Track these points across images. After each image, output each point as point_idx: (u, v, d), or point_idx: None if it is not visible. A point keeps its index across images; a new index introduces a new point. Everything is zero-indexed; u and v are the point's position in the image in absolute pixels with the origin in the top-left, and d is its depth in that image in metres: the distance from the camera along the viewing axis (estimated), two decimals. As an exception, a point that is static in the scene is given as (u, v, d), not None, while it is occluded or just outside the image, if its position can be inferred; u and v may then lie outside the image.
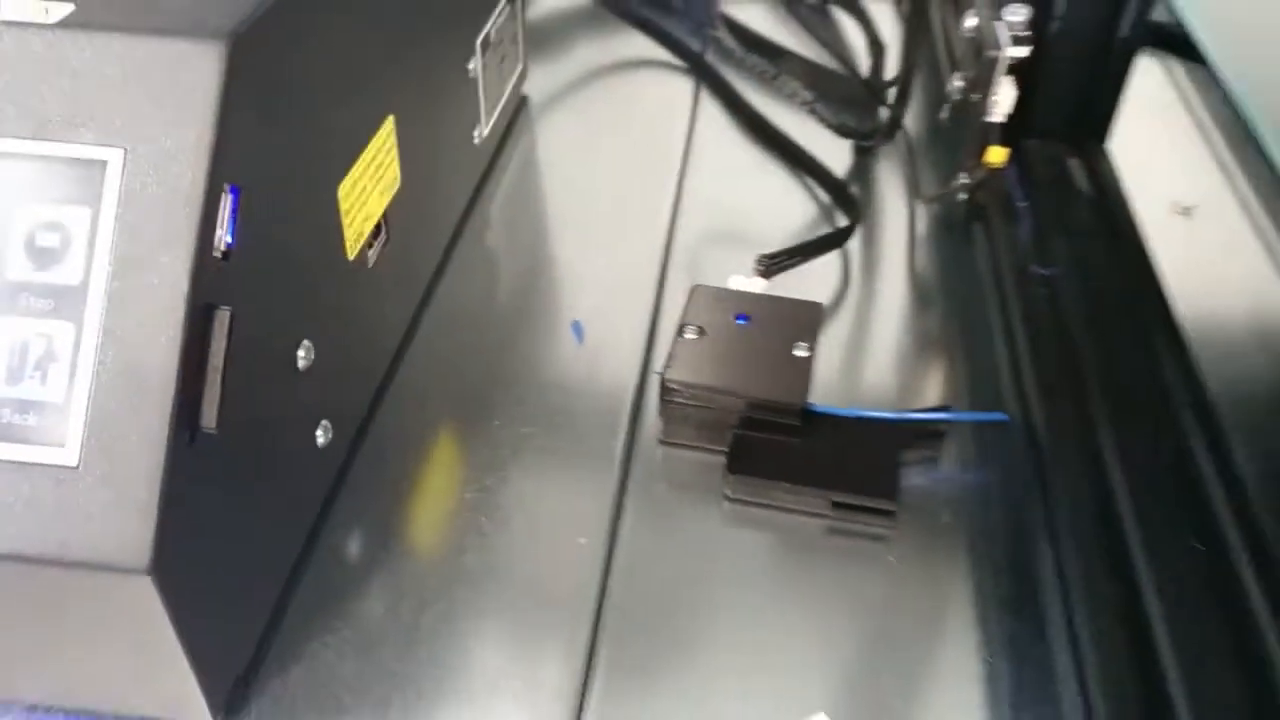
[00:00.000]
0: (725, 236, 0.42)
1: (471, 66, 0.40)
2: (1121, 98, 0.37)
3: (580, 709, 0.26)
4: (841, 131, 0.45)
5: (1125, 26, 0.35)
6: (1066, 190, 0.36)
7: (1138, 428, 0.30)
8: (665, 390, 0.32)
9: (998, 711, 0.26)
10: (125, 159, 0.22)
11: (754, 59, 0.49)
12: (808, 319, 0.34)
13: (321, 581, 0.29)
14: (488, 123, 0.43)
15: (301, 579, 0.29)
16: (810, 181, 0.44)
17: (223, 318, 0.23)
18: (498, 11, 0.43)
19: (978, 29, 0.37)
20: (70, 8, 0.23)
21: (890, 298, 0.39)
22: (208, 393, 0.23)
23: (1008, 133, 0.36)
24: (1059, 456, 0.30)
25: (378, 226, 0.32)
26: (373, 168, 0.31)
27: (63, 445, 0.22)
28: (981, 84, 0.35)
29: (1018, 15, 0.35)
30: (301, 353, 0.27)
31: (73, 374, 0.22)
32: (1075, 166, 0.37)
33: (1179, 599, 0.26)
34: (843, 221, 0.41)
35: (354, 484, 0.31)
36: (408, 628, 0.28)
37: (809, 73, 0.49)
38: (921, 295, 0.39)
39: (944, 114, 0.42)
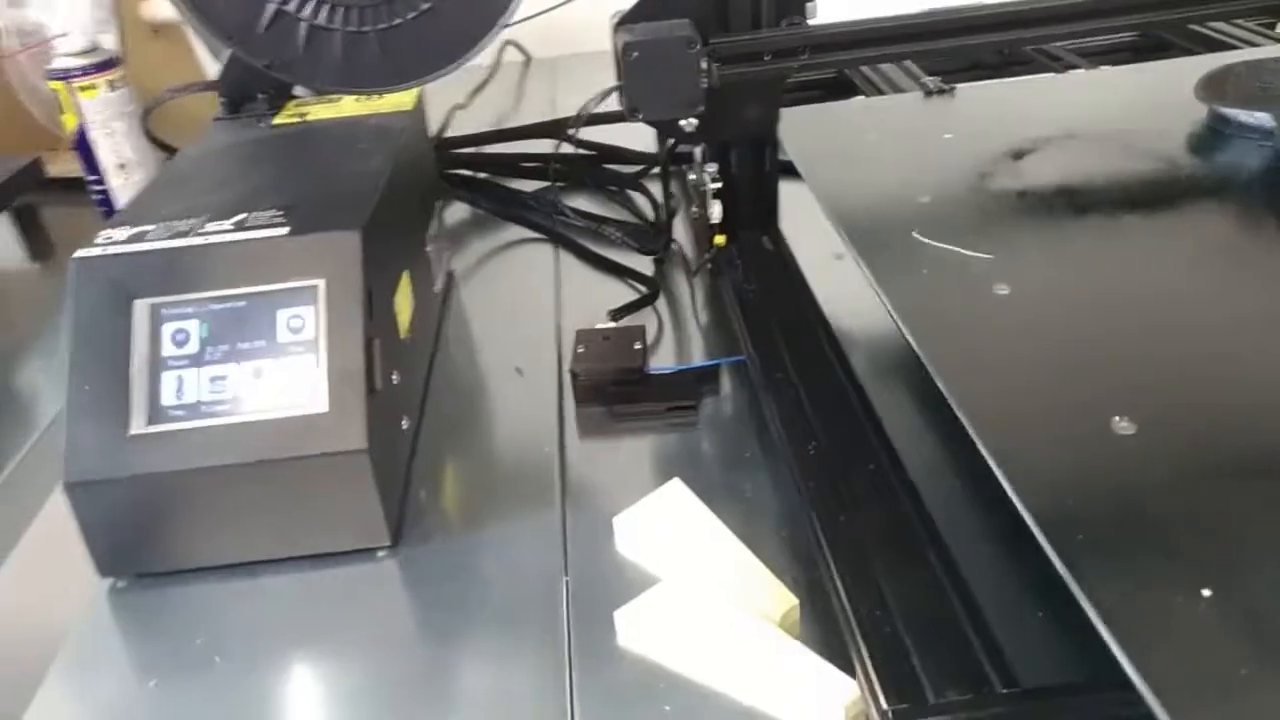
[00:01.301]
0: (589, 311, 0.73)
1: (430, 247, 0.71)
2: (778, 199, 0.71)
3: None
4: (643, 250, 0.78)
5: (768, 164, 0.69)
6: (759, 251, 0.69)
7: (809, 365, 0.61)
8: (575, 376, 0.62)
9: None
10: (326, 283, 0.52)
11: (585, 221, 0.82)
12: (636, 332, 0.65)
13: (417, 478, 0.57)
14: (438, 280, 0.74)
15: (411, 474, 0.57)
16: (629, 280, 0.77)
17: (376, 343, 0.52)
18: (434, 214, 0.75)
19: (694, 181, 0.70)
20: (286, 229, 0.53)
21: (682, 315, 0.71)
22: (375, 374, 0.52)
23: (724, 228, 0.69)
24: (767, 374, 0.61)
25: (409, 324, 0.62)
26: (403, 292, 0.61)
27: (322, 405, 0.50)
28: (702, 206, 0.68)
29: (712, 168, 0.68)
30: (395, 375, 0.56)
31: (319, 373, 0.51)
32: (763, 240, 0.70)
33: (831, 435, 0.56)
34: (646, 290, 0.73)
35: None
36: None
37: (619, 225, 0.82)
38: (698, 313, 0.71)
39: (689, 229, 0.75)
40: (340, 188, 0.58)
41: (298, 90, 0.75)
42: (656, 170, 0.88)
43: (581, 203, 0.89)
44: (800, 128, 0.68)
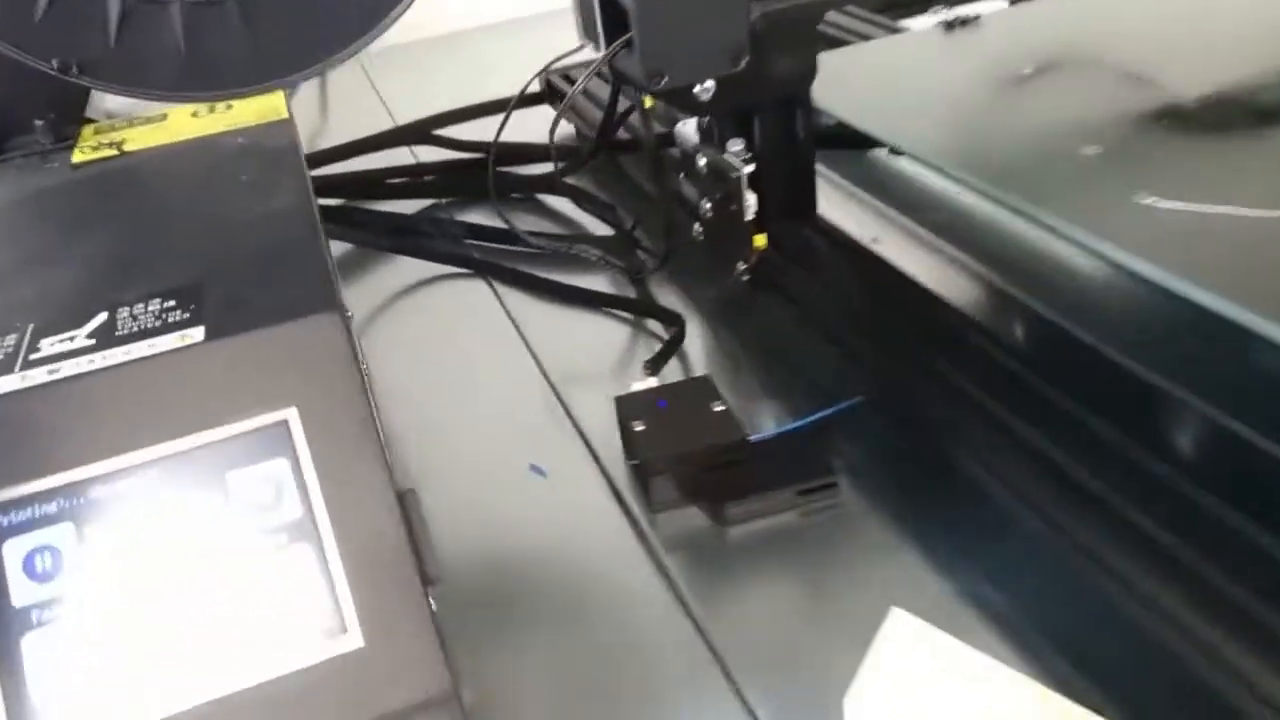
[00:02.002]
0: (591, 371, 0.53)
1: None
2: (814, 177, 0.53)
3: None
4: (631, 270, 0.58)
5: (801, 131, 0.51)
6: (809, 248, 0.51)
7: (985, 390, 0.44)
8: (648, 470, 0.41)
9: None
10: (301, 410, 0.29)
11: (547, 242, 0.61)
12: (705, 387, 0.45)
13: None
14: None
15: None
16: (612, 312, 0.57)
17: (413, 498, 0.30)
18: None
19: (708, 165, 0.51)
20: (198, 329, 0.30)
21: (723, 350, 0.52)
22: (427, 553, 0.30)
23: (756, 225, 0.51)
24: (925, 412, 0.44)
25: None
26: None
27: (346, 632, 0.28)
28: (735, 198, 0.50)
29: (737, 145, 0.49)
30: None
31: (328, 576, 0.28)
32: (804, 233, 0.52)
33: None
34: (666, 328, 0.54)
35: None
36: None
37: (589, 241, 0.62)
38: (741, 345, 0.53)
39: (697, 233, 0.56)
40: (251, 246, 0.35)
41: (91, 109, 0.49)
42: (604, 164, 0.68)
43: (475, 219, 0.67)
44: (841, 80, 0.51)
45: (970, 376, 0.42)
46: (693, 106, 0.48)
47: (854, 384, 0.47)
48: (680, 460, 0.42)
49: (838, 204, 0.55)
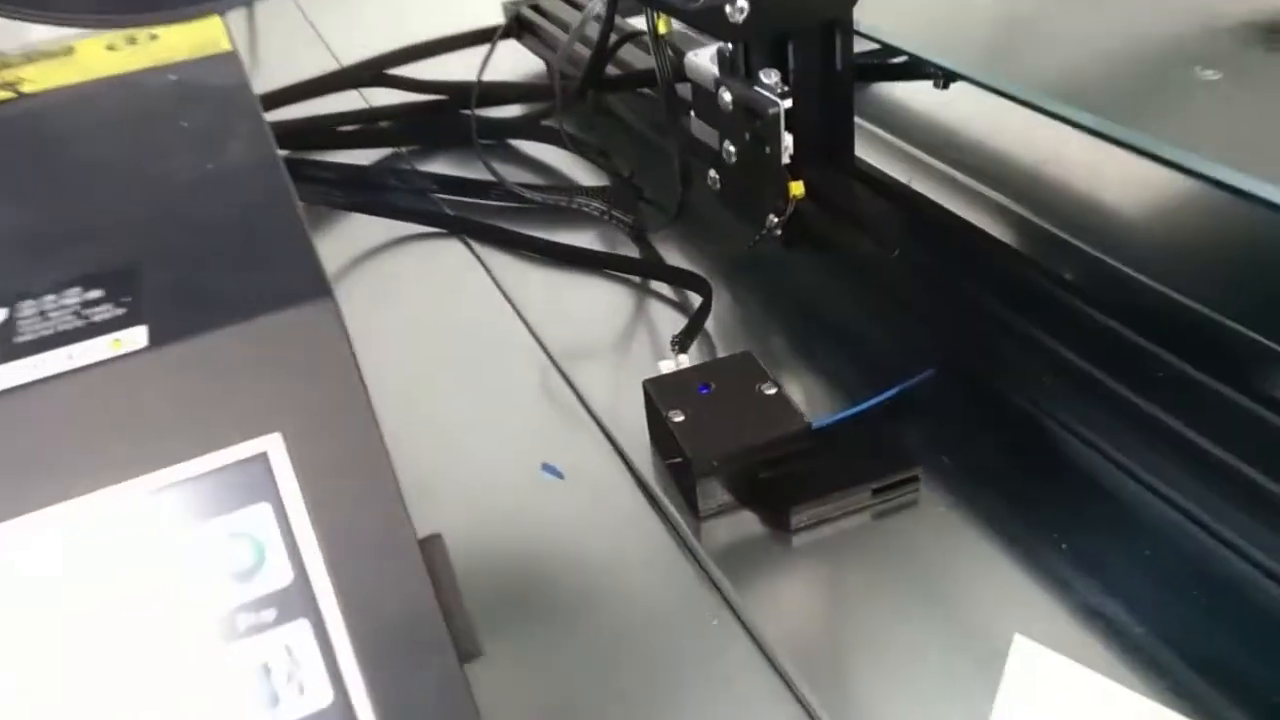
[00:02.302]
0: (599, 347, 0.45)
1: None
2: (853, 120, 0.46)
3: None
4: (637, 229, 0.50)
5: (840, 62, 0.44)
6: (849, 196, 0.44)
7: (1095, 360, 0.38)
8: (697, 470, 0.34)
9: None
10: (288, 437, 0.22)
11: (540, 195, 0.53)
12: (750, 366, 0.38)
13: None
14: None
15: None
16: (617, 276, 0.49)
17: (439, 546, 0.23)
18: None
19: (733, 102, 0.44)
20: (138, 331, 0.22)
21: (759, 323, 0.45)
22: (461, 620, 0.22)
23: (791, 171, 0.44)
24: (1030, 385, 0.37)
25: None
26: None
27: (362, 738, 0.21)
28: (769, 138, 0.42)
29: (771, 77, 0.42)
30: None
31: (332, 662, 0.21)
32: (842, 180, 0.45)
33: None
34: (691, 294, 0.47)
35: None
36: None
37: (581, 190, 0.54)
38: (776, 316, 0.46)
39: (713, 182, 0.48)
40: (203, 214, 0.27)
41: None
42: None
43: (441, 169, 0.59)
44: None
45: (1062, 339, 0.36)
46: (722, 30, 0.40)
47: (917, 352, 0.40)
48: (735, 457, 0.35)
49: (870, 147, 0.48)
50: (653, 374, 0.39)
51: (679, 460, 0.35)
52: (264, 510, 0.21)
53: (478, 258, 0.52)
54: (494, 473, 0.39)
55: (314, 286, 0.23)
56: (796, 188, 0.43)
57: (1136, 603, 0.31)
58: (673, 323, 0.46)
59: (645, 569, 0.34)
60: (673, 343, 0.41)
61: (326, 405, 0.22)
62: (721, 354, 0.43)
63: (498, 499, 0.38)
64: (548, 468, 0.38)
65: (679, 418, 0.36)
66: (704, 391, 0.37)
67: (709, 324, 0.44)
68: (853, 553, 0.34)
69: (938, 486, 0.36)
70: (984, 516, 0.35)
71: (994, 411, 0.38)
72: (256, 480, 0.22)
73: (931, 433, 0.38)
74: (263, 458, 0.22)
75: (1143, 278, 0.39)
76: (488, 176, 0.55)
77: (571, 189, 0.54)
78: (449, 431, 0.41)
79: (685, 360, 0.40)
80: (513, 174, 0.57)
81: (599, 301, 0.48)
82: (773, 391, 0.37)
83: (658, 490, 0.37)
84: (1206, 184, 0.32)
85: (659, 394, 0.37)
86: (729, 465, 0.35)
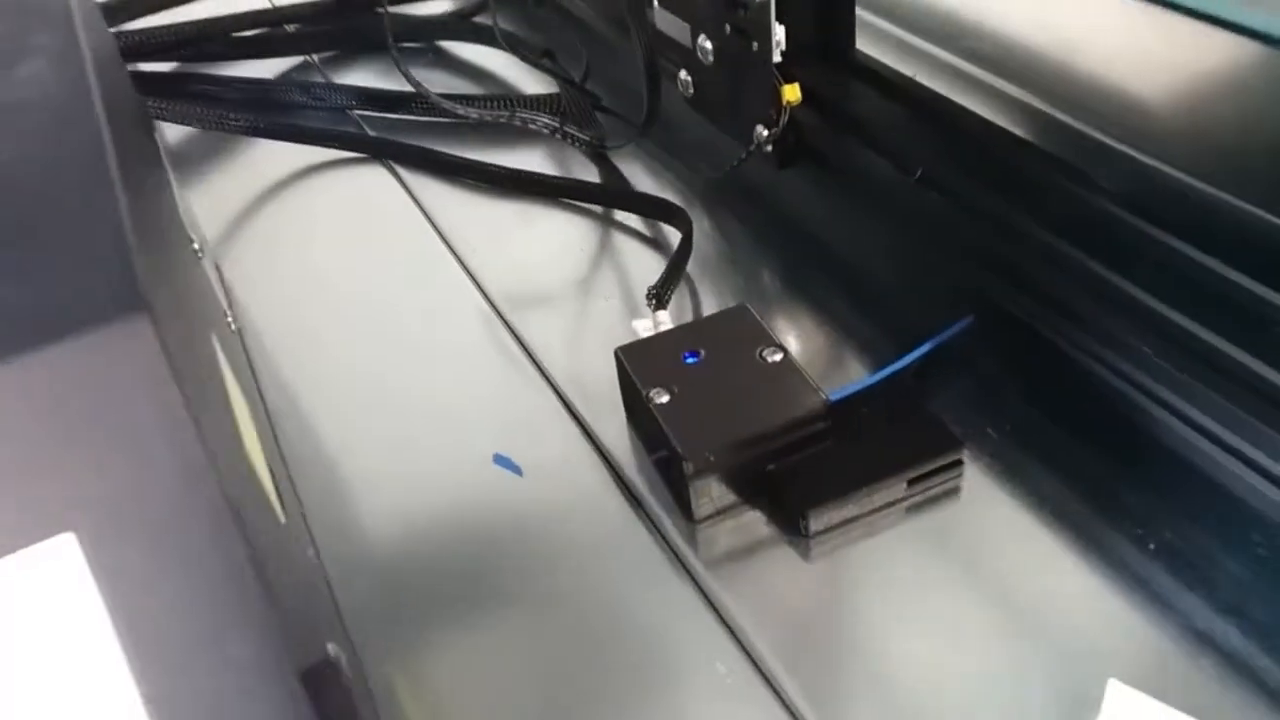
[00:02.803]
0: (556, 297, 0.37)
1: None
2: (854, 7, 0.38)
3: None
4: (595, 146, 0.42)
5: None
6: (854, 99, 0.36)
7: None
8: (690, 468, 0.27)
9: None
10: (88, 539, 0.14)
11: (475, 110, 0.44)
12: (748, 324, 0.31)
13: None
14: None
15: None
16: (574, 205, 0.41)
17: (337, 676, 0.15)
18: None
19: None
20: None
21: (752, 263, 0.37)
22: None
23: (783, 71, 0.35)
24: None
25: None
26: (236, 401, 0.23)
27: None
28: (757, 31, 0.34)
29: (758, -46, 0.34)
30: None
31: None
32: (841, 81, 0.37)
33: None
34: (665, 234, 0.39)
35: None
36: None
37: (526, 102, 0.45)
38: (772, 253, 0.38)
39: (684, 86, 0.40)
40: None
41: None
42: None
43: (356, 81, 0.50)
44: None
45: (1135, 277, 0.29)
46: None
47: (950, 295, 0.33)
48: (736, 449, 0.27)
49: (868, 40, 0.40)
50: (625, 336, 0.32)
51: (665, 453, 0.28)
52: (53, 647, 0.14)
53: (406, 188, 0.44)
54: (429, 464, 0.31)
55: (119, 294, 0.15)
56: (790, 92, 0.35)
57: (1256, 623, 0.25)
58: (646, 264, 0.38)
59: (627, 593, 0.27)
60: (649, 295, 0.33)
61: (144, 482, 0.14)
62: (709, 308, 0.35)
63: (433, 501, 0.30)
64: (501, 460, 0.31)
65: (663, 398, 0.29)
66: (692, 360, 0.30)
67: (691, 266, 0.37)
68: (887, 563, 0.27)
69: (985, 467, 0.29)
70: (1045, 506, 0.28)
71: (1050, 366, 0.31)
72: (47, 596, 0.14)
73: (973, 398, 0.31)
74: (58, 563, 0.14)
75: (1221, 193, 0.32)
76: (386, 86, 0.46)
77: (512, 100, 0.46)
78: (370, 410, 0.33)
79: (665, 318, 0.32)
80: (442, 83, 0.48)
81: (554, 239, 0.40)
82: (778, 358, 0.29)
83: (640, 486, 0.30)
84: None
85: (636, 366, 0.30)
86: (729, 459, 0.27)
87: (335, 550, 0.29)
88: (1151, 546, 0.27)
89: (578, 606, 0.27)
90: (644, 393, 0.29)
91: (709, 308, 0.36)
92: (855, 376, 0.32)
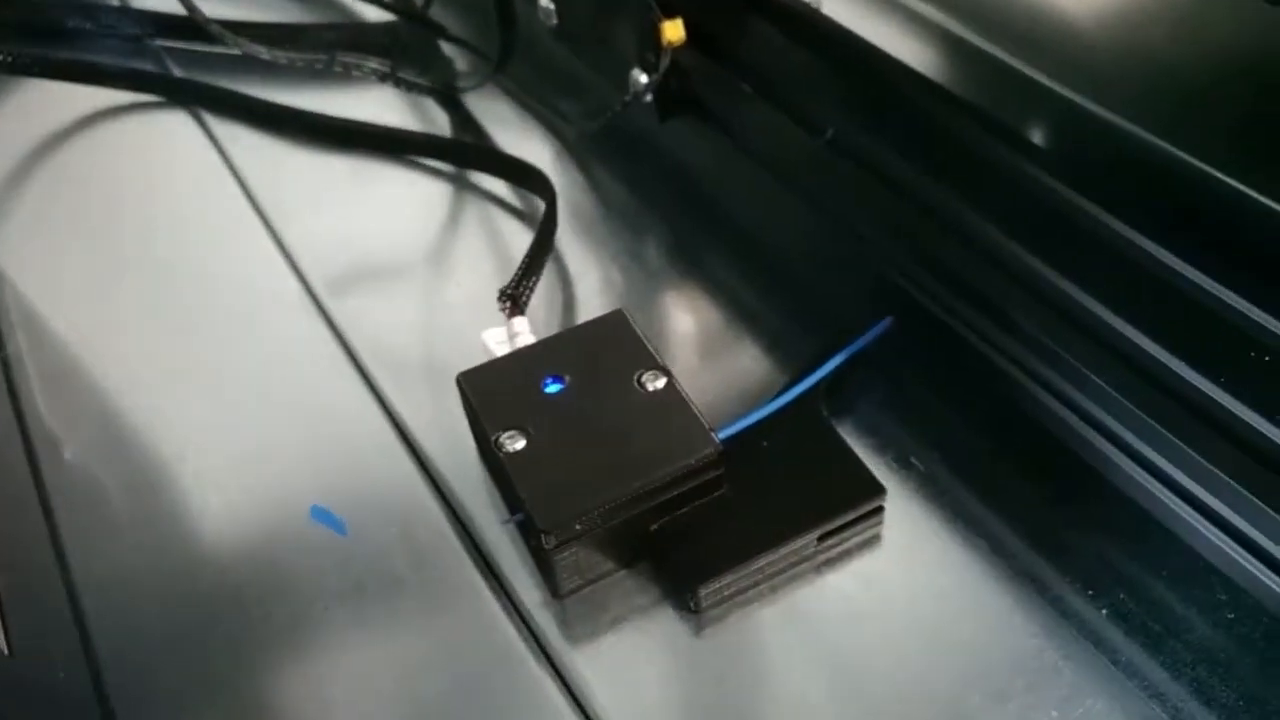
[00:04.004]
0: (396, 285, 0.31)
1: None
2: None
3: None
4: (445, 89, 0.35)
5: None
6: (778, 43, 0.30)
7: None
8: (554, 543, 0.21)
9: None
10: None
11: (284, 52, 0.36)
12: (625, 337, 0.25)
13: None
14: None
15: None
16: (416, 162, 0.34)
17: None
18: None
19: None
20: None
21: (629, 242, 0.31)
22: None
23: (663, 5, 0.29)
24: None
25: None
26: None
27: None
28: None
29: None
30: None
31: None
32: (756, 17, 0.30)
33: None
34: (532, 198, 0.32)
35: None
36: None
37: (351, 38, 0.37)
38: (652, 228, 0.32)
39: (547, 15, 0.33)
40: None
41: None
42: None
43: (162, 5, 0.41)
44: None
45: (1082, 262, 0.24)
46: None
47: (865, 287, 0.27)
48: (613, 511, 0.22)
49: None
50: (478, 340, 0.25)
51: (522, 517, 0.22)
52: None
53: (213, 140, 0.36)
54: (224, 516, 0.25)
55: None
56: (672, 30, 0.29)
57: (1209, 684, 0.21)
58: (510, 238, 0.31)
59: (469, 681, 0.22)
60: (502, 297, 0.27)
61: None
62: (581, 300, 0.29)
63: (228, 565, 0.24)
64: (320, 513, 0.25)
65: (517, 444, 0.23)
66: (555, 389, 0.24)
67: (560, 240, 0.30)
68: (794, 637, 0.22)
69: (911, 509, 0.24)
70: (981, 554, 0.23)
71: (985, 378, 0.26)
72: None
73: (895, 418, 0.26)
74: None
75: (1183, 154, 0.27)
76: (234, 15, 0.38)
77: (332, 39, 0.37)
78: (147, 445, 0.27)
79: (523, 326, 0.26)
80: (261, 9, 0.40)
81: (394, 206, 0.33)
82: (660, 385, 0.23)
83: (491, 545, 0.24)
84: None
85: (483, 399, 0.24)
86: (600, 523, 0.22)
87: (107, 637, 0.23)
88: (1103, 612, 0.22)
89: (410, 697, 0.22)
90: (492, 437, 0.23)
91: (580, 300, 0.29)
92: (756, 387, 0.26)
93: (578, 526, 0.21)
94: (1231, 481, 0.21)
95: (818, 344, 0.26)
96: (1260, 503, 0.21)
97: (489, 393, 0.24)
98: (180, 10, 0.40)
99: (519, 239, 0.31)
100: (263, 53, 0.34)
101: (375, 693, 0.22)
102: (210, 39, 0.39)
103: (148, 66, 0.39)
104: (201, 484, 0.26)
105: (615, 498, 0.22)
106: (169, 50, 0.40)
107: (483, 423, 0.23)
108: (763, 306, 0.29)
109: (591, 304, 0.29)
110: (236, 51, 0.39)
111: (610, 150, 0.34)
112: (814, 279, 0.29)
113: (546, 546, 0.21)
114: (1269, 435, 0.21)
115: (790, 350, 0.27)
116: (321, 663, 0.22)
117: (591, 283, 0.30)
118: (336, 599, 0.23)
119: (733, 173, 0.31)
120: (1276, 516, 0.21)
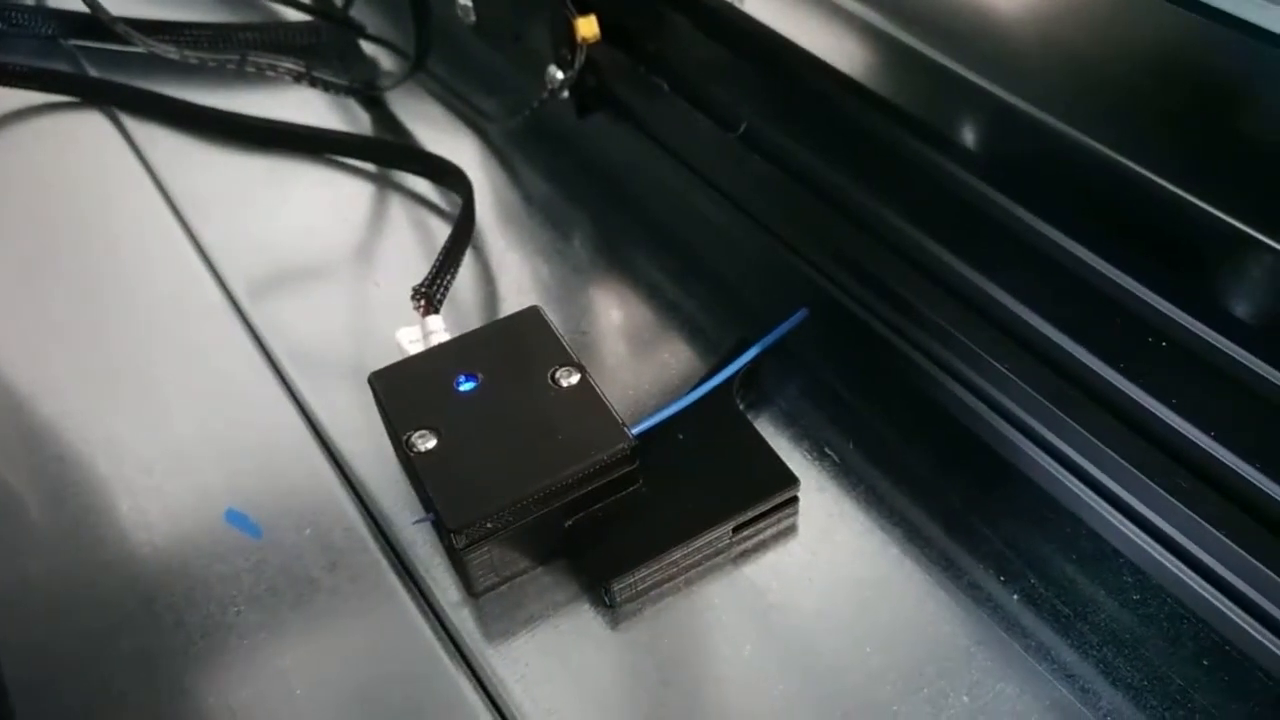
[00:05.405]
0: (313, 286, 0.30)
1: None
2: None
3: None
4: (363, 89, 0.34)
5: None
6: (696, 40, 0.30)
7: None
8: (465, 542, 0.21)
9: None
10: None
11: (195, 52, 0.35)
12: (539, 333, 0.25)
13: None
14: None
15: None
16: (335, 161, 0.34)
17: None
18: None
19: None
20: None
21: (545, 238, 0.31)
22: None
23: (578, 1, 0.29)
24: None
25: None
26: None
27: None
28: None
29: None
30: None
31: None
32: (672, 12, 0.30)
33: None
34: (455, 196, 0.32)
35: None
36: None
37: (270, 39, 0.37)
38: (568, 226, 0.32)
39: (465, 10, 0.33)
40: None
41: None
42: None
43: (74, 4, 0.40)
44: None
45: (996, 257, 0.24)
46: None
47: (778, 276, 0.28)
48: (524, 509, 0.22)
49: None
50: (391, 349, 0.25)
51: (433, 518, 0.22)
52: None
53: (129, 141, 0.35)
54: (135, 518, 0.25)
55: None
56: (586, 26, 0.29)
57: (1116, 665, 0.21)
58: (431, 235, 0.31)
59: (384, 681, 0.22)
60: (416, 295, 0.26)
61: None
62: (500, 295, 0.29)
63: (138, 571, 0.24)
64: (235, 516, 0.25)
65: (428, 443, 0.22)
66: (467, 386, 0.24)
67: (479, 235, 0.30)
68: (710, 629, 0.22)
69: (825, 499, 0.24)
70: (894, 542, 0.23)
71: (898, 370, 0.26)
72: None
73: (809, 409, 0.26)
74: None
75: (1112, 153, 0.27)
76: (156, 15, 0.37)
77: (245, 39, 0.37)
78: (66, 435, 0.26)
79: (438, 324, 0.26)
80: (174, 10, 0.39)
81: (313, 206, 0.33)
82: (574, 380, 0.23)
83: (406, 544, 0.24)
84: None
85: (395, 399, 0.23)
86: (512, 521, 0.22)
87: (10, 650, 0.22)
88: (1015, 597, 0.22)
89: (325, 700, 0.21)
90: (403, 437, 0.23)
91: (501, 296, 0.29)
92: (675, 380, 0.27)
93: (489, 525, 0.21)
94: (1135, 470, 0.22)
95: (734, 337, 0.26)
96: (1162, 491, 0.21)
97: (400, 392, 0.24)
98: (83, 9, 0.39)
99: (440, 237, 0.31)
100: (171, 52, 0.34)
101: (289, 696, 0.22)
102: (120, 38, 0.38)
103: (62, 66, 0.38)
104: (113, 490, 0.25)
105: (526, 495, 0.22)
106: (84, 50, 0.39)
107: (394, 423, 0.23)
108: (681, 300, 0.29)
109: (513, 300, 0.29)
110: (141, 47, 0.38)
111: (532, 146, 0.34)
112: (730, 272, 0.29)
113: (457, 546, 0.21)
114: (1170, 423, 0.21)
115: (708, 343, 0.27)
116: (234, 668, 0.22)
117: (512, 279, 0.30)
118: (249, 602, 0.23)
119: (651, 168, 0.31)
120: (1178, 504, 0.21)
